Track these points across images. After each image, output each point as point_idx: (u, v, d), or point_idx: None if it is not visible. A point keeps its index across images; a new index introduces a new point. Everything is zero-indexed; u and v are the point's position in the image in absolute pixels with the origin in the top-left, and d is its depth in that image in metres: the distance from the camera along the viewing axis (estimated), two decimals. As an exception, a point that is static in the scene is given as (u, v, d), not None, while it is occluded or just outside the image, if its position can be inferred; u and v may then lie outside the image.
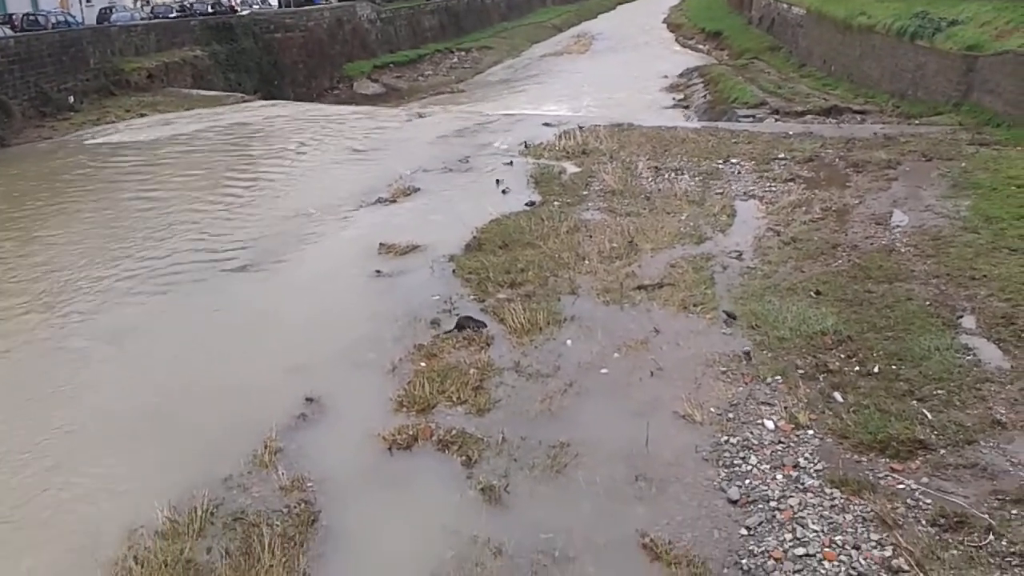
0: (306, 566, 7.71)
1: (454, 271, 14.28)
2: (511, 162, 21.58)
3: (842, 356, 10.44)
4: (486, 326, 11.97)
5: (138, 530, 8.13)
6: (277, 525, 8.15)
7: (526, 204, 17.86)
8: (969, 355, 10.26)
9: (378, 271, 14.58)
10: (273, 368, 10.93)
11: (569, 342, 11.47)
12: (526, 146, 23.27)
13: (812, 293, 12.22)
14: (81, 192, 20.97)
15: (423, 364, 11.03)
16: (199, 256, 15.77)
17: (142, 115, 31.07)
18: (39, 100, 29.88)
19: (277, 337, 12.09)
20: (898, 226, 14.93)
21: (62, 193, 20.92)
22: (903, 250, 13.69)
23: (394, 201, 19.00)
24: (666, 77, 41.81)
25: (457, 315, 12.36)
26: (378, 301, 13.28)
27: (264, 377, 10.74)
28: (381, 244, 15.73)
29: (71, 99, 31.10)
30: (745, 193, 17.84)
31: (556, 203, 17.77)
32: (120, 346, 12.07)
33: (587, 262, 14.21)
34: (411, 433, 9.53)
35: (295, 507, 8.43)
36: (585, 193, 18.47)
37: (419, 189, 19.77)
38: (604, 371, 10.72)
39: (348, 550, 7.95)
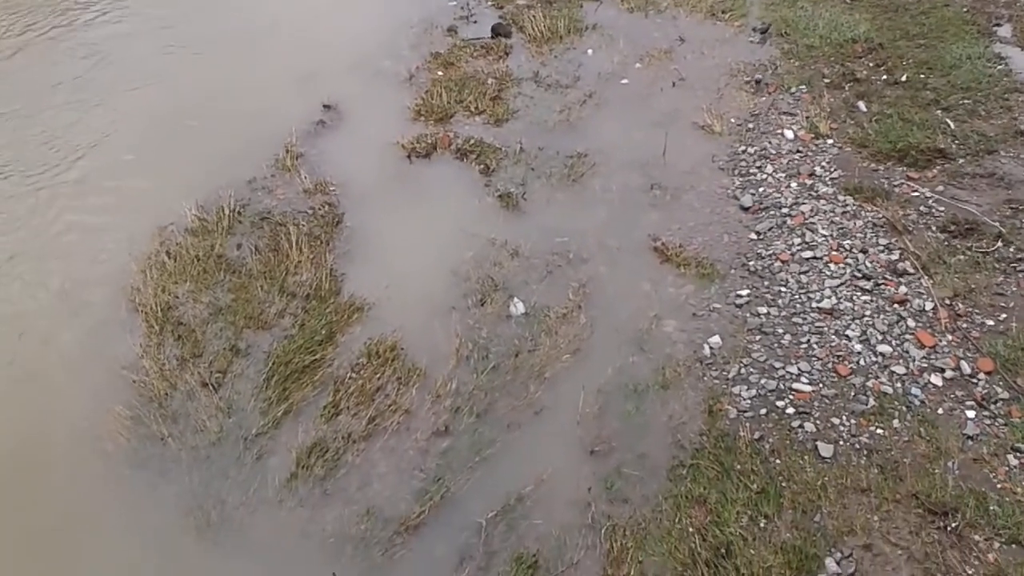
0: (332, 262, 7.84)
1: (471, -24, 13.20)
2: None
3: (871, 65, 9.81)
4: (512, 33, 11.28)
5: (168, 227, 8.21)
6: (303, 225, 8.20)
7: (548, -97, 16.13)
8: (1000, 64, 9.61)
9: (391, -25, 13.49)
10: (287, 75, 10.41)
11: (590, 51, 10.82)
12: None
13: (847, -1, 11.29)
14: None
15: (440, 73, 10.52)
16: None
17: None
18: None
19: (288, 44, 11.37)
20: (947, -72, 13.45)
21: None
22: (948, -46, 12.44)
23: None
24: None
25: (475, 22, 11.61)
26: (391, 6, 12.35)
27: (279, 84, 10.26)
28: (392, -53, 14.43)
29: None
30: None
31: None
32: (129, 54, 11.46)
33: (612, -34, 13.06)
34: (430, 141, 9.30)
35: (319, 209, 8.43)
36: None
37: None
38: (625, 81, 10.20)
39: (372, 249, 8.04)
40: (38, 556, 5.87)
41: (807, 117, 9.13)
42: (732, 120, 9.30)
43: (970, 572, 5.29)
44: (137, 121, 9.80)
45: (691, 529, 5.71)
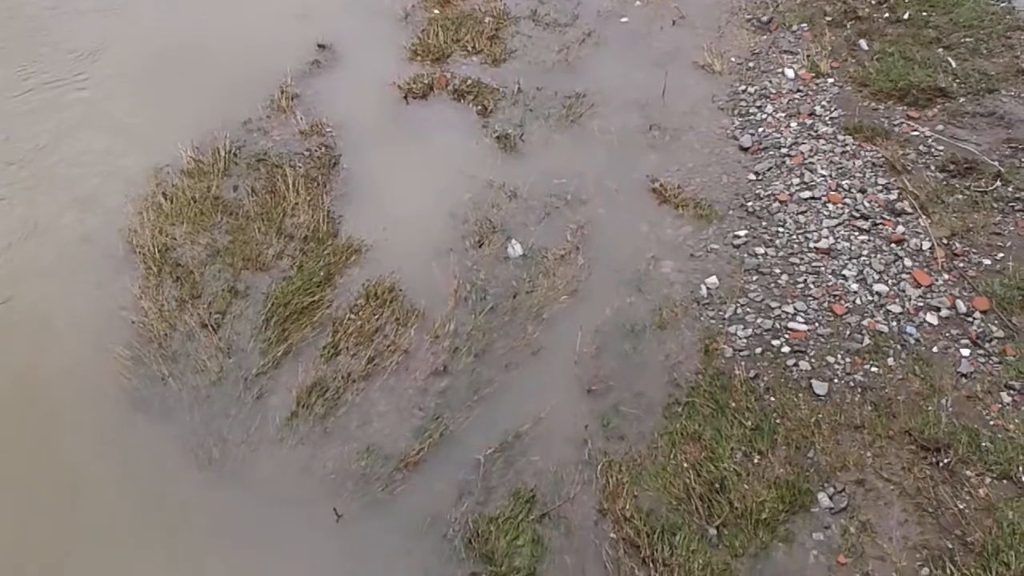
0: (330, 204, 7.73)
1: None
2: None
3: (873, 2, 9.54)
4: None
5: (164, 169, 8.05)
6: (299, 167, 8.06)
7: None
8: (1003, 2, 9.34)
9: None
10: (281, 14, 10.07)
11: (589, -11, 10.53)
12: None
13: (850, -65, 10.94)
14: None
15: (436, 11, 10.23)
16: None
17: None
18: None
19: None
20: None
21: None
22: None
23: None
24: None
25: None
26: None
27: (272, 23, 9.92)
28: None
29: None
30: None
31: None
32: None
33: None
34: (426, 82, 9.08)
35: (316, 150, 8.28)
36: None
37: None
38: (624, 20, 9.94)
39: (369, 191, 7.92)
40: (41, 496, 5.89)
41: (808, 56, 8.92)
42: (732, 59, 9.09)
43: (961, 507, 5.32)
44: (130, 62, 9.54)
45: (686, 465, 5.73)
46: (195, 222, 7.55)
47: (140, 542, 5.64)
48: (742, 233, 7.26)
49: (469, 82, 9.07)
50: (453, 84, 9.06)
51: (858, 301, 6.58)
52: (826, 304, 6.60)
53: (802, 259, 6.96)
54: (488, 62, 9.40)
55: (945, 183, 7.35)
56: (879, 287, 6.63)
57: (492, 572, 5.31)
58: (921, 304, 6.49)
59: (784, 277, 6.85)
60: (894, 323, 6.39)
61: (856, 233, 7.07)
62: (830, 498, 5.48)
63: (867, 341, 6.30)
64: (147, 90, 9.06)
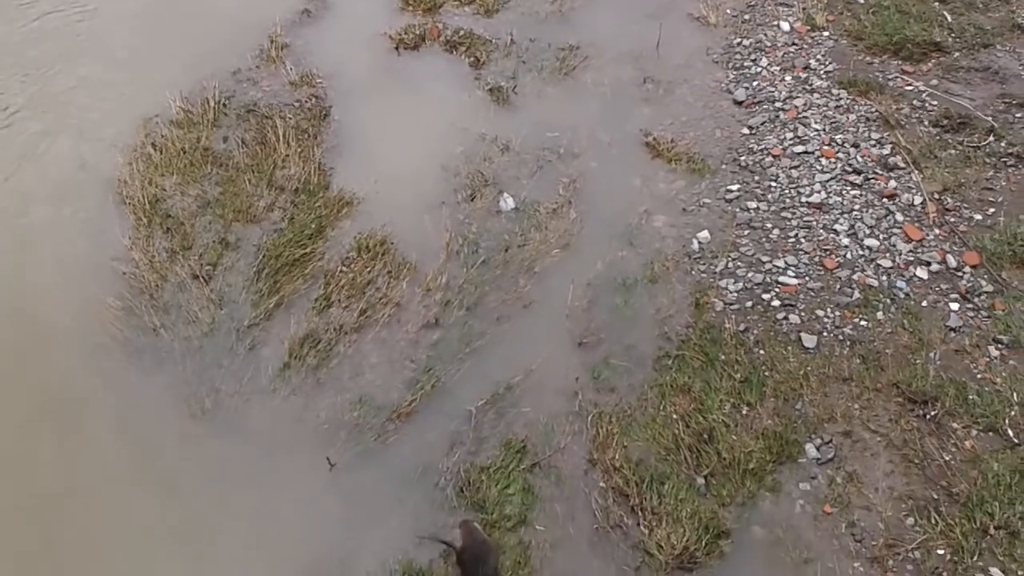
0: (321, 156, 7.61)
1: None
2: None
3: (870, -46, 9.39)
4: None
5: (153, 119, 7.88)
6: (290, 118, 7.92)
7: None
8: (1001, -44, 9.20)
9: None
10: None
11: (583, -63, 10.27)
12: None
13: None
14: None
15: (429, -40, 9.98)
16: None
17: None
18: None
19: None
20: None
21: None
22: None
23: None
24: None
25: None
26: None
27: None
28: None
29: None
30: None
31: None
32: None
33: None
34: (418, 33, 8.88)
35: (306, 102, 8.12)
36: None
37: None
38: (619, -29, 9.74)
39: (360, 143, 7.80)
40: (37, 447, 5.87)
41: (804, 8, 8.77)
42: (728, 11, 8.93)
43: (947, 458, 5.36)
44: (119, 9, 9.28)
45: (675, 416, 5.75)
46: (185, 173, 7.42)
47: (134, 491, 5.65)
48: (734, 187, 7.20)
49: (461, 33, 8.88)
50: (445, 35, 8.87)
51: (849, 255, 6.55)
52: (817, 258, 6.58)
53: (794, 214, 6.92)
54: (481, 12, 9.19)
55: (938, 138, 7.28)
56: (870, 242, 6.60)
57: (483, 520, 5.34)
58: (911, 259, 6.47)
59: (775, 231, 6.82)
60: (884, 277, 6.38)
61: (848, 188, 7.02)
62: (817, 449, 5.52)
63: (857, 295, 6.29)
64: (135, 39, 8.82)
